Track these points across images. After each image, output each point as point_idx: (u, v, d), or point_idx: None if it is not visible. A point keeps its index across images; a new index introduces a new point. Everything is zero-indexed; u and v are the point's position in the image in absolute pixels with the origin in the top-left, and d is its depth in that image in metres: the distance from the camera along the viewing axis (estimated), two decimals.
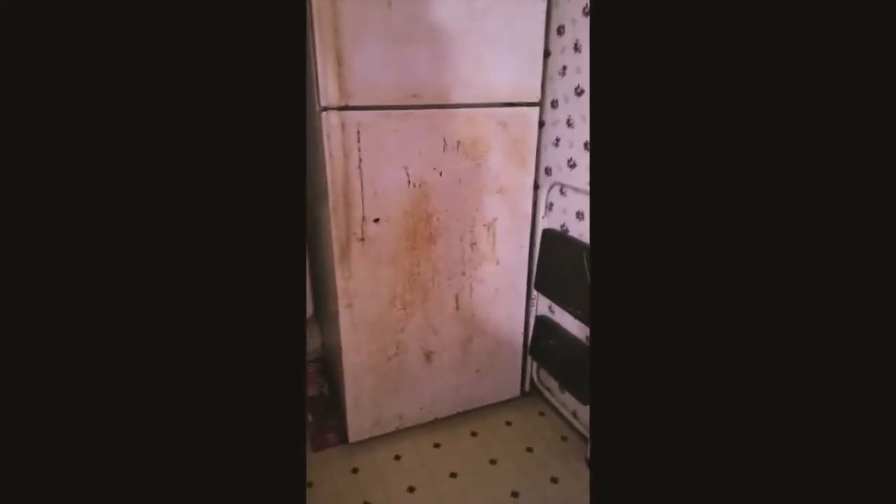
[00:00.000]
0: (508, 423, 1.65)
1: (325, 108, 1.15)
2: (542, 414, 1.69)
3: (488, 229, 1.45)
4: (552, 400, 1.72)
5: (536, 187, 1.54)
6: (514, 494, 1.36)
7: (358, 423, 1.49)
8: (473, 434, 1.60)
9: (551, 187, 1.52)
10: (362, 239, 1.29)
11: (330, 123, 1.16)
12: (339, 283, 1.31)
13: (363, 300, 1.36)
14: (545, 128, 1.51)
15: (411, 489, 1.38)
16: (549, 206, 1.55)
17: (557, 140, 1.47)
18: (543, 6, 1.29)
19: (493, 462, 1.48)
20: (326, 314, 1.61)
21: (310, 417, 1.59)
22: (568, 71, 1.38)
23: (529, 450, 1.53)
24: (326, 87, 1.13)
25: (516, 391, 1.73)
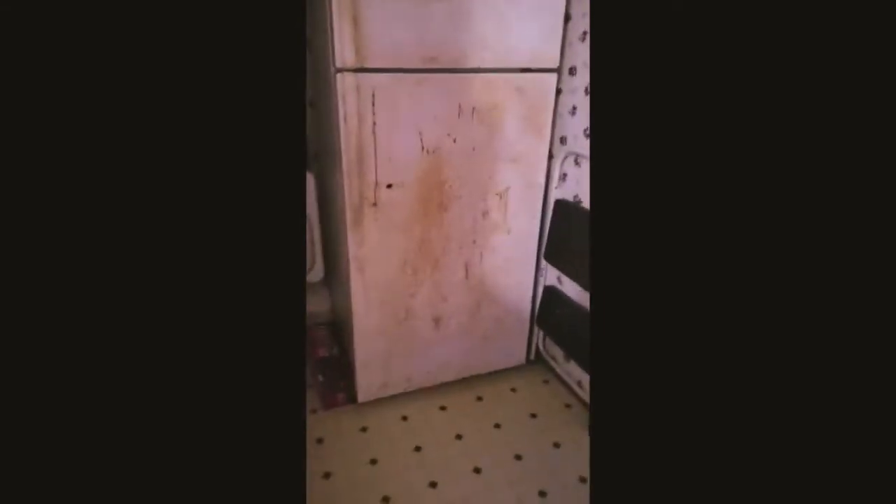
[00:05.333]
0: (513, 390, 1.68)
1: (340, 70, 1.13)
2: (546, 382, 1.73)
3: (501, 198, 1.45)
4: (557, 369, 1.75)
5: (551, 157, 1.52)
6: (518, 457, 1.40)
7: (367, 384, 1.54)
8: (479, 399, 1.64)
9: (566, 157, 1.50)
10: (375, 204, 1.29)
11: (345, 85, 1.15)
12: (352, 247, 1.32)
13: (374, 265, 1.37)
14: (562, 95, 1.48)
15: (417, 448, 1.42)
16: (563, 177, 1.54)
17: (574, 109, 1.44)
18: None
19: (497, 426, 1.52)
20: (338, 278, 1.63)
21: (321, 377, 1.63)
22: (588, 37, 1.34)
23: (533, 416, 1.57)
24: (343, 49, 1.11)
25: (522, 359, 1.76)
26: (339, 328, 1.78)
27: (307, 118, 1.62)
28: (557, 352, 1.75)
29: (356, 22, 1.10)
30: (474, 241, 1.47)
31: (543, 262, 1.65)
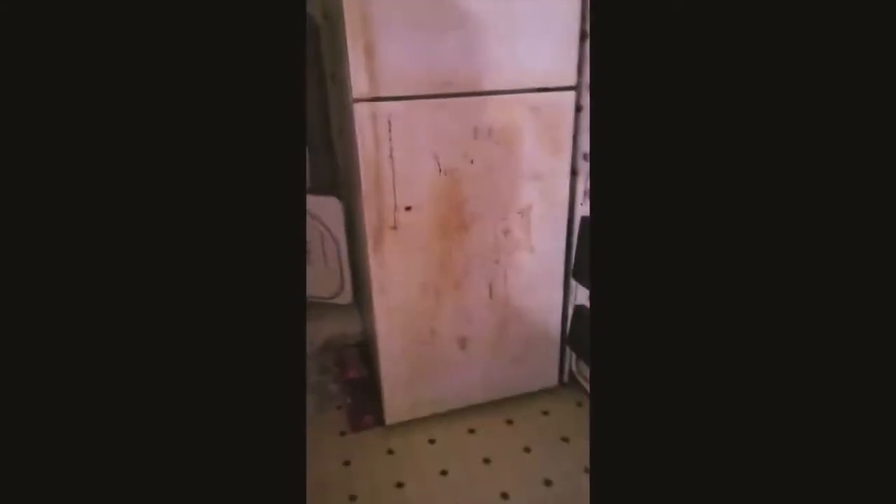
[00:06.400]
0: (545, 413, 1.63)
1: (357, 100, 1.18)
2: (580, 405, 1.67)
3: (522, 216, 1.44)
4: (589, 391, 1.68)
5: (574, 174, 1.50)
6: (547, 482, 1.36)
7: (394, 407, 1.54)
8: (509, 422, 1.60)
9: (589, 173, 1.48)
10: (394, 227, 1.32)
11: (361, 115, 1.19)
12: (373, 269, 1.35)
13: (396, 287, 1.39)
14: (583, 112, 1.47)
15: (444, 472, 1.41)
16: (587, 193, 1.51)
17: None
18: None
19: (527, 450, 1.48)
20: (364, 301, 1.66)
21: (349, 399, 1.65)
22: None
23: (565, 439, 1.51)
24: (357, 79, 1.16)
25: (554, 381, 1.71)
26: (368, 350, 1.80)
27: (335, 148, 1.69)
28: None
29: (369, 52, 1.15)
30: (497, 261, 1.46)
31: (573, 282, 1.62)
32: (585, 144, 1.48)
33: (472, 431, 1.56)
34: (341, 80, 1.40)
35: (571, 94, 1.35)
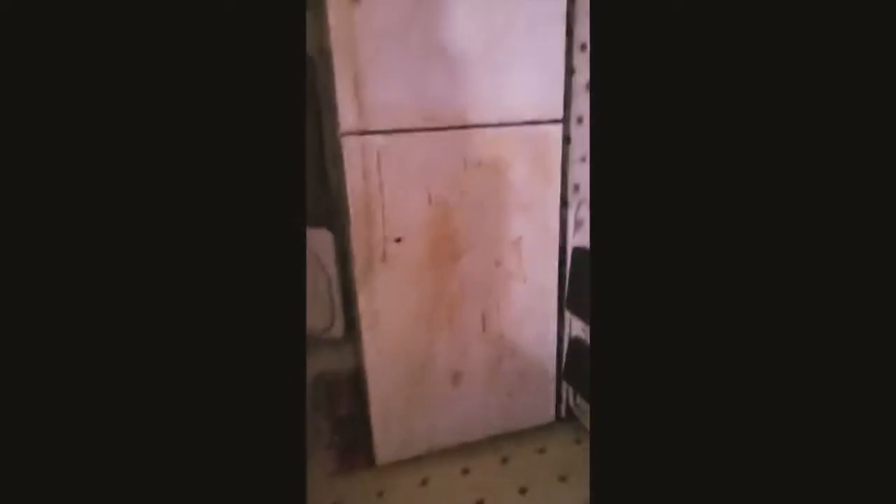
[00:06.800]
0: (542, 450, 1.58)
1: (345, 133, 1.19)
2: (578, 442, 1.61)
3: (514, 247, 1.43)
4: (590, 427, 1.63)
5: (565, 204, 1.51)
6: None
7: (385, 445, 1.49)
8: (504, 460, 1.54)
9: (580, 204, 1.48)
10: (384, 259, 1.31)
11: (350, 148, 1.20)
12: (362, 302, 1.33)
13: (387, 320, 1.37)
14: (572, 144, 1.48)
15: None
16: (579, 224, 1.51)
17: (584, 157, 1.44)
18: (562, 25, 1.29)
19: (522, 491, 1.41)
20: (355, 334, 1.63)
21: (337, 438, 1.60)
22: (590, 88, 1.36)
23: (563, 479, 1.45)
24: (346, 113, 1.18)
25: (550, 416, 1.66)
26: (360, 385, 1.76)
27: (330, 178, 1.70)
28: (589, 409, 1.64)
29: (358, 85, 1.17)
30: (489, 292, 1.45)
31: (567, 313, 1.59)
32: (575, 176, 1.49)
33: (465, 471, 1.50)
34: (334, 113, 1.42)
35: (559, 127, 1.37)
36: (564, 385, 1.68)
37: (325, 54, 1.52)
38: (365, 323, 1.34)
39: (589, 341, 1.54)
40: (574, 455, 1.55)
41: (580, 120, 1.43)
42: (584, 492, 1.39)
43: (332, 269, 1.60)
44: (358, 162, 1.22)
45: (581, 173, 1.46)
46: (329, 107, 1.58)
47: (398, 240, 1.30)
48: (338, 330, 1.69)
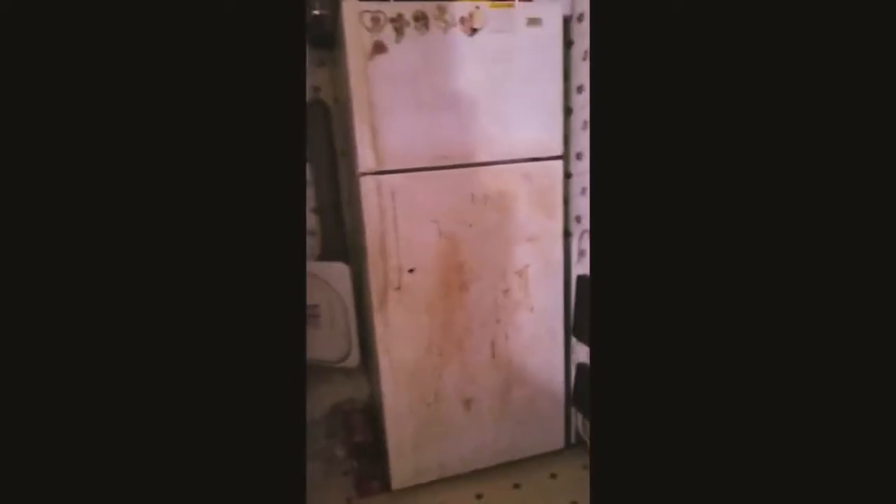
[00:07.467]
0: (553, 476, 1.60)
1: (363, 174, 1.30)
2: (586, 467, 1.63)
3: (520, 276, 1.51)
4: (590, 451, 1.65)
5: (568, 235, 1.59)
6: None
7: (400, 471, 1.53)
8: (516, 486, 1.57)
9: (582, 234, 1.57)
10: (398, 288, 1.39)
11: (367, 187, 1.31)
12: (378, 330, 1.40)
13: (400, 347, 1.44)
14: (572, 178, 1.58)
15: None
16: (582, 253, 1.59)
17: (584, 189, 1.53)
18: (559, 70, 1.41)
19: None
20: (371, 363, 1.69)
21: (355, 464, 1.64)
22: (589, 126, 1.47)
23: None
24: (364, 156, 1.29)
25: (561, 443, 1.69)
26: (375, 413, 1.81)
27: (345, 216, 1.81)
28: None
29: (374, 131, 1.28)
30: (498, 320, 1.51)
31: (573, 340, 1.65)
32: (576, 208, 1.58)
33: (479, 497, 1.53)
34: (350, 155, 1.54)
35: (559, 163, 1.47)
36: (573, 411, 1.72)
37: (341, 103, 1.66)
38: (380, 348, 1.41)
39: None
40: (584, 481, 1.57)
41: (579, 156, 1.54)
42: None
43: (349, 301, 1.68)
44: (375, 199, 1.32)
45: (582, 205, 1.55)
46: (343, 151, 1.71)
47: (411, 270, 1.39)
48: (353, 360, 1.75)
